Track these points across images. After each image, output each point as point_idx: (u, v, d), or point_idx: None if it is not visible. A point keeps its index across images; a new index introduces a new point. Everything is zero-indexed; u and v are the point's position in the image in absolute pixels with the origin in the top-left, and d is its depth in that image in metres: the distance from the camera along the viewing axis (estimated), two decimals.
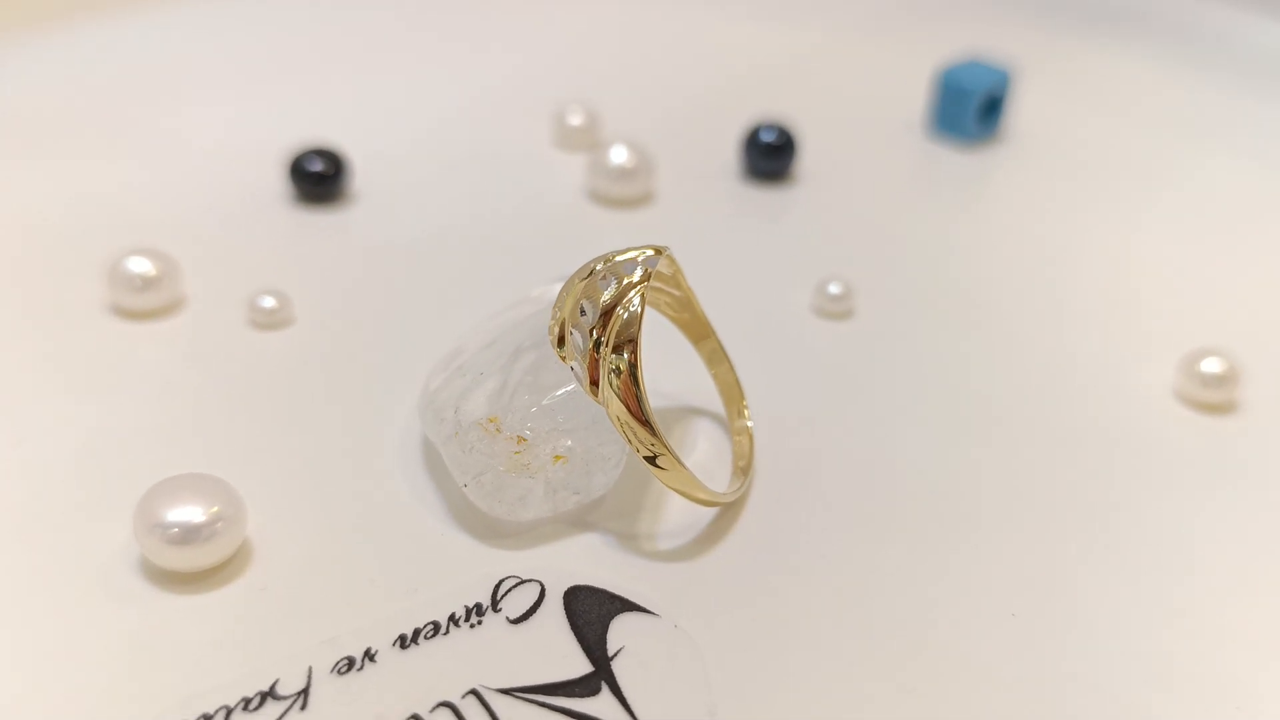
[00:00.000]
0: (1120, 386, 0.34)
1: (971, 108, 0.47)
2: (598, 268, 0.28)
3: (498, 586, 0.27)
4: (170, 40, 0.55)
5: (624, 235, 0.41)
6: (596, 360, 0.27)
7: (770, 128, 0.44)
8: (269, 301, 0.35)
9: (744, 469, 0.30)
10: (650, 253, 0.29)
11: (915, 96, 0.50)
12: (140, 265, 0.35)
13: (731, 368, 0.32)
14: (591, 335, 0.27)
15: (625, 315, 0.27)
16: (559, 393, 0.28)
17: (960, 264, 0.40)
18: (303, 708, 0.24)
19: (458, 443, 0.28)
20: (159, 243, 0.37)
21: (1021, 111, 0.50)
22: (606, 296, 0.27)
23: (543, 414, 0.28)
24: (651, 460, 0.27)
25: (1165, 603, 0.28)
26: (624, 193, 0.43)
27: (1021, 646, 0.26)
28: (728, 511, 0.30)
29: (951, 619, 0.27)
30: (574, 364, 0.27)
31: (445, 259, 0.39)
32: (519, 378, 0.29)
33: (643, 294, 0.27)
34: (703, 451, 0.31)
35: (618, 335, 0.27)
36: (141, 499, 0.27)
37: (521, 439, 0.28)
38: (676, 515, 0.29)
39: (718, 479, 0.30)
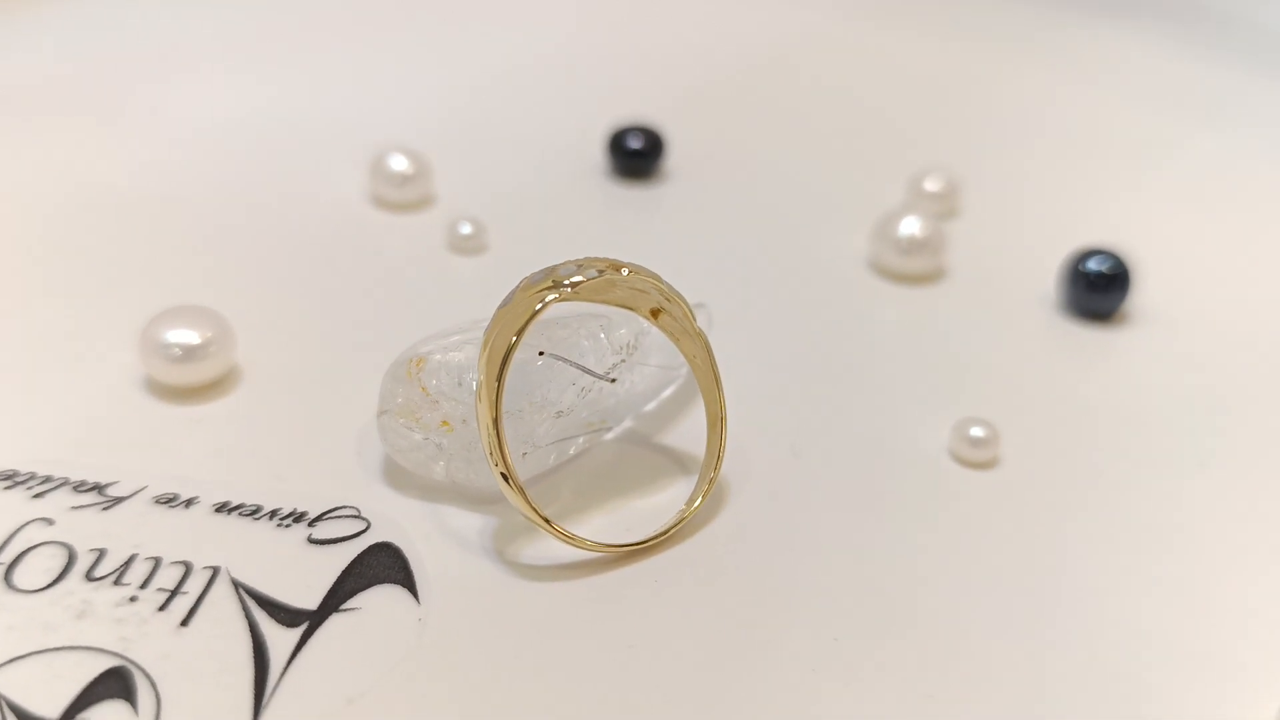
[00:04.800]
0: None
1: None
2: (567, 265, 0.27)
3: (333, 509, 0.28)
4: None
5: (882, 306, 0.37)
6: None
7: (1104, 255, 0.37)
8: (466, 228, 0.38)
9: (657, 533, 0.27)
10: (622, 272, 0.27)
11: None
12: (400, 164, 0.40)
13: (720, 444, 0.28)
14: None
15: (509, 318, 0.26)
16: None
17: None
18: (105, 509, 0.27)
19: (390, 372, 0.29)
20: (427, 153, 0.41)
21: None
22: (518, 292, 0.26)
23: (449, 373, 0.27)
24: (503, 478, 0.26)
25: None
26: (904, 266, 0.39)
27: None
28: (623, 564, 0.27)
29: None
30: None
31: (689, 261, 0.39)
32: None
33: (550, 302, 0.26)
34: (658, 501, 0.29)
35: (504, 351, 0.25)
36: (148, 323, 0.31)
37: (424, 389, 0.28)
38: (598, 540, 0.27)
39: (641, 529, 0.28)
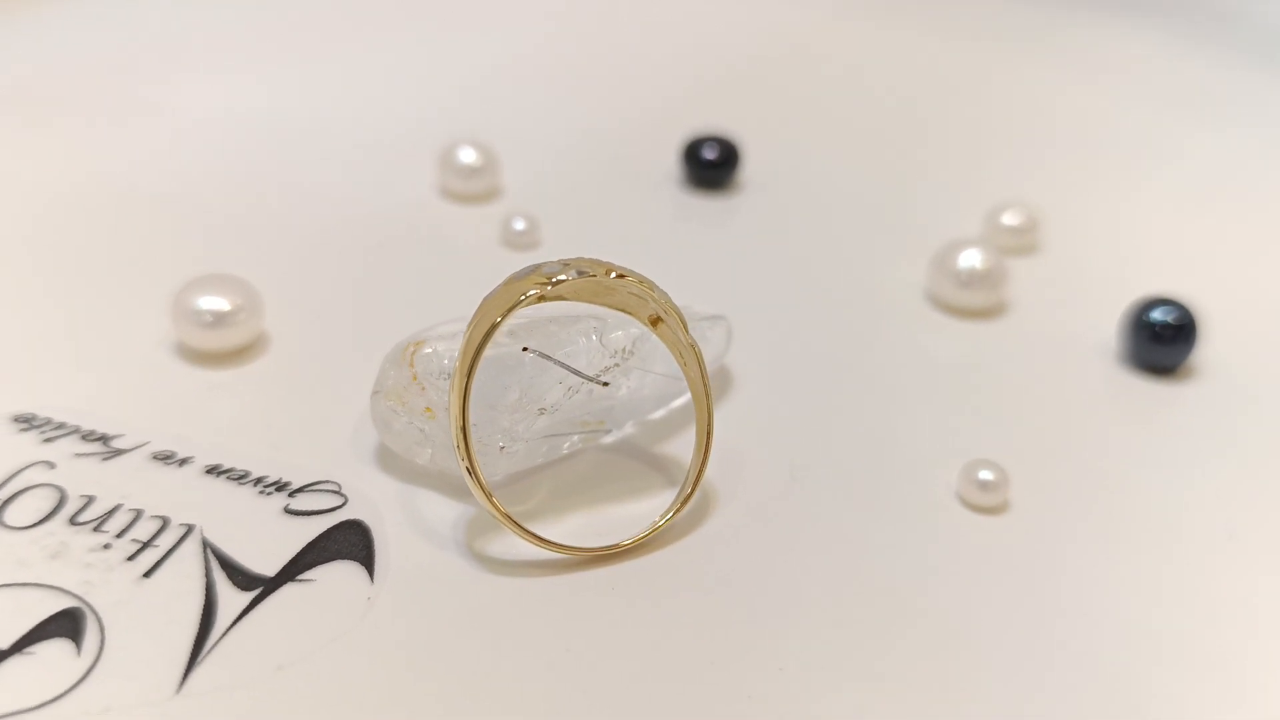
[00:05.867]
0: None
1: None
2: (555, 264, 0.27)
3: (315, 483, 0.28)
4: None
5: (928, 337, 0.36)
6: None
7: (1170, 305, 0.35)
8: (520, 224, 0.38)
9: (624, 541, 0.27)
10: (611, 276, 0.27)
11: None
12: (468, 156, 0.40)
13: (702, 458, 0.28)
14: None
15: (489, 310, 0.26)
16: None
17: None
18: (104, 460, 0.28)
19: (389, 353, 0.29)
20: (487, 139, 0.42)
21: None
22: (502, 286, 0.26)
23: (438, 360, 0.28)
24: (467, 472, 0.26)
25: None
26: (961, 299, 0.37)
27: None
28: (585, 568, 0.27)
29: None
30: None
31: (737, 274, 0.38)
32: None
33: (531, 298, 0.26)
34: (638, 509, 0.28)
35: (476, 343, 0.26)
36: (179, 290, 0.32)
37: (415, 374, 0.28)
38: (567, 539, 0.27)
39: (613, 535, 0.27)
